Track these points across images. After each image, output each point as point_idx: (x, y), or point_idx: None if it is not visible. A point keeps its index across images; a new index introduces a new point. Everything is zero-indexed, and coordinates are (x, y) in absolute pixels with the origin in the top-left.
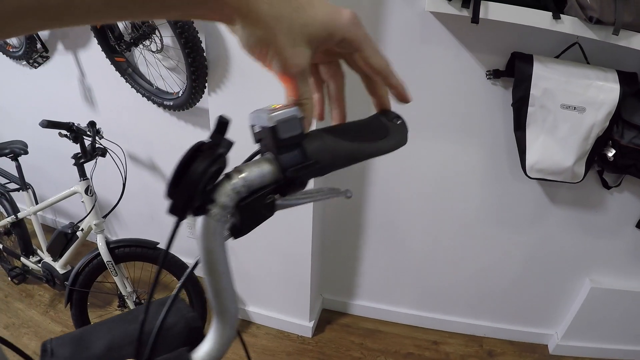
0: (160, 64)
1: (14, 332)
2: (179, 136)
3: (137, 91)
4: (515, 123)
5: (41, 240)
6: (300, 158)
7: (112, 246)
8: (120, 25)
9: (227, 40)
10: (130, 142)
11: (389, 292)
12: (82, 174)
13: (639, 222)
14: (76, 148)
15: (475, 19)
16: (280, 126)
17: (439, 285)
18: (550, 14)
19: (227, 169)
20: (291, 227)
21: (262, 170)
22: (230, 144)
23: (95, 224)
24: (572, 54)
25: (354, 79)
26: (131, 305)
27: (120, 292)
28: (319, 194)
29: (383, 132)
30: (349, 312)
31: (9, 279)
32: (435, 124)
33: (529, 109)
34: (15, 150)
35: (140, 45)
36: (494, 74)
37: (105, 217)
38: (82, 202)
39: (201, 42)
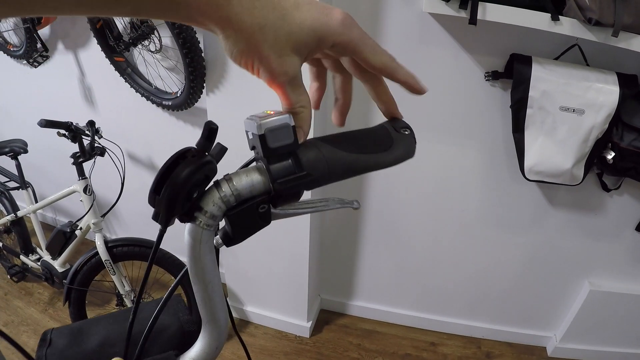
0: (159, 64)
1: (13, 330)
2: (177, 136)
3: (136, 91)
4: (513, 125)
5: (40, 238)
6: (292, 169)
7: (110, 245)
8: (119, 25)
9: None
10: (130, 142)
11: (387, 292)
12: (81, 173)
13: (638, 225)
14: (75, 147)
15: (472, 20)
16: (269, 135)
17: (437, 286)
18: (548, 15)
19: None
20: (289, 227)
21: (252, 180)
22: (222, 151)
23: (93, 223)
24: (572, 56)
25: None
26: (129, 304)
27: (119, 291)
28: (321, 203)
29: (387, 144)
30: (347, 312)
31: (9, 276)
32: (434, 125)
33: (528, 110)
34: (15, 149)
35: (139, 46)
36: (493, 76)
37: (103, 216)
38: (81, 201)
39: (199, 43)
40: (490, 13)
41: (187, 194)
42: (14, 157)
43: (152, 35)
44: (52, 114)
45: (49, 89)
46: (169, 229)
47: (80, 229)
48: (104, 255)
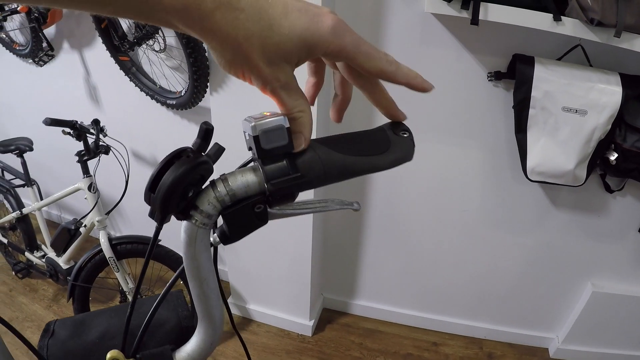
0: (163, 63)
1: (18, 326)
2: (181, 134)
3: (141, 90)
4: (516, 125)
5: (45, 235)
6: (287, 170)
7: (114, 242)
8: (124, 25)
9: None
10: (134, 140)
11: (389, 292)
12: (86, 171)
13: None
14: (80, 145)
15: (474, 20)
16: (262, 136)
17: (439, 286)
18: (550, 15)
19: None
20: (292, 226)
21: (247, 180)
22: (219, 151)
23: (98, 221)
24: (575, 56)
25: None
26: None
27: (122, 288)
28: (321, 204)
29: (384, 146)
30: (350, 311)
31: (14, 273)
32: (437, 125)
33: (530, 111)
34: (21, 146)
35: (144, 45)
36: (496, 76)
37: (108, 213)
38: (86, 198)
39: (203, 42)
40: (492, 13)
41: (182, 192)
42: (20, 154)
43: (157, 35)
44: (57, 112)
45: (55, 87)
46: (174, 226)
47: (85, 226)
48: (107, 252)
